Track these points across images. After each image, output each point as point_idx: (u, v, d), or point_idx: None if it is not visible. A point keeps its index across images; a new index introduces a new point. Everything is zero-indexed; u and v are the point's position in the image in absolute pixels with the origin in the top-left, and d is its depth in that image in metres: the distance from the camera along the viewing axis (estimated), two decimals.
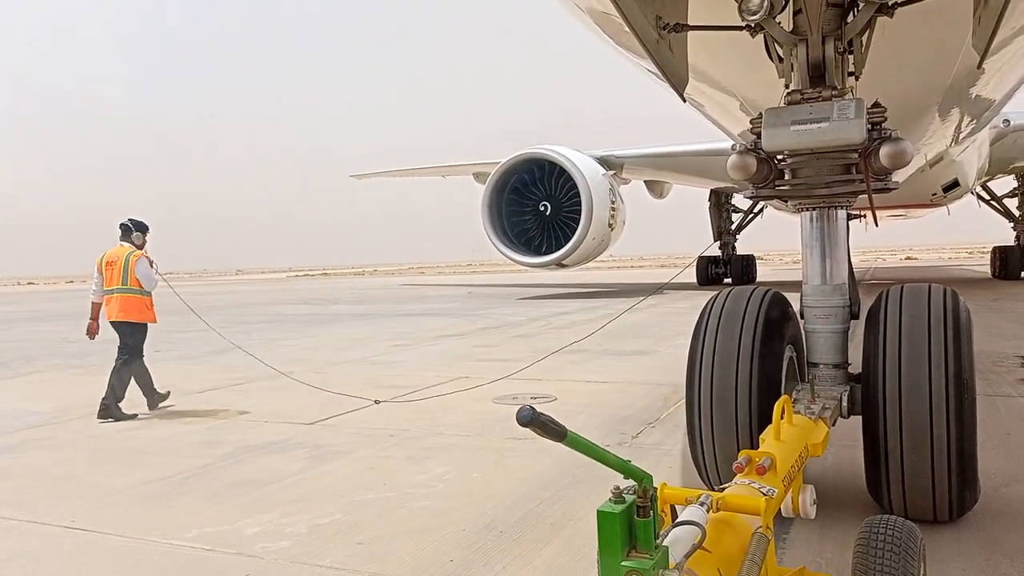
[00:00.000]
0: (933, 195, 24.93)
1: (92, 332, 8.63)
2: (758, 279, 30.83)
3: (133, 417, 8.10)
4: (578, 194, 26.07)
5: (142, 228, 8.82)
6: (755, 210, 31.36)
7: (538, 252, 27.23)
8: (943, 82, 7.31)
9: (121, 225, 8.79)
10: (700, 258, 31.60)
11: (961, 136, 12.68)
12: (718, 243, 31.47)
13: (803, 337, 4.52)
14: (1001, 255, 28.53)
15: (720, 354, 4.27)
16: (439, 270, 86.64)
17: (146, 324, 8.60)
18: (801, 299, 4.46)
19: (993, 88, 8.38)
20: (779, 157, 4.26)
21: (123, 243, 8.67)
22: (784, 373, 4.42)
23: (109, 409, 8.08)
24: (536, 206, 27.48)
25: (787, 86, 4.26)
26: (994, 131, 22.96)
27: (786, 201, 4.52)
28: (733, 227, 31.82)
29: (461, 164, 36.31)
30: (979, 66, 5.15)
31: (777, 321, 4.41)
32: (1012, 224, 28.98)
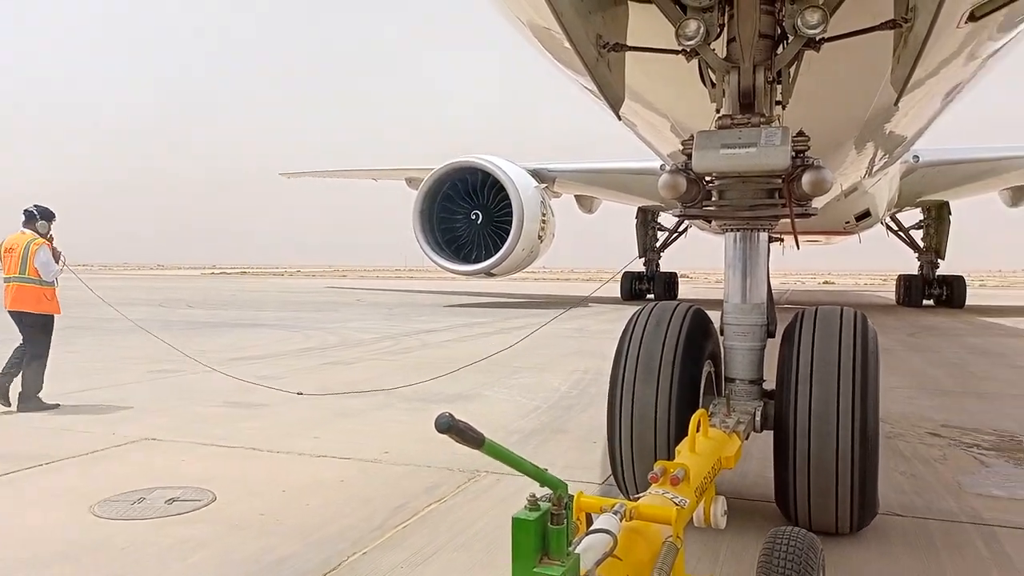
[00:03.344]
0: (846, 223, 26.11)
1: None
2: (680, 296, 31.65)
3: (55, 406, 7.98)
4: (510, 205, 26.20)
5: (47, 216, 8.46)
6: (679, 229, 32.15)
7: (468, 260, 27.25)
8: (862, 116, 7.58)
9: (25, 211, 8.43)
10: (625, 274, 32.11)
11: (875, 169, 13.39)
12: (643, 259, 32.12)
13: (722, 353, 4.65)
14: (905, 283, 30.00)
15: (643, 367, 4.37)
16: (362, 274, 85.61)
17: (48, 315, 8.27)
18: (722, 316, 4.60)
19: (906, 125, 8.85)
20: (707, 178, 4.42)
21: (25, 230, 8.33)
22: (703, 387, 4.55)
23: (29, 401, 7.91)
24: (468, 214, 27.48)
25: (718, 111, 4.40)
26: (904, 165, 24.22)
27: (709, 221, 4.70)
28: (658, 244, 32.58)
29: (394, 168, 36.00)
30: (896, 103, 5.39)
31: (698, 337, 4.54)
32: (916, 254, 30.50)
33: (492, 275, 27.81)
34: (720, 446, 3.63)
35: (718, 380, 4.84)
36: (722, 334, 4.63)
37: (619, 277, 31.30)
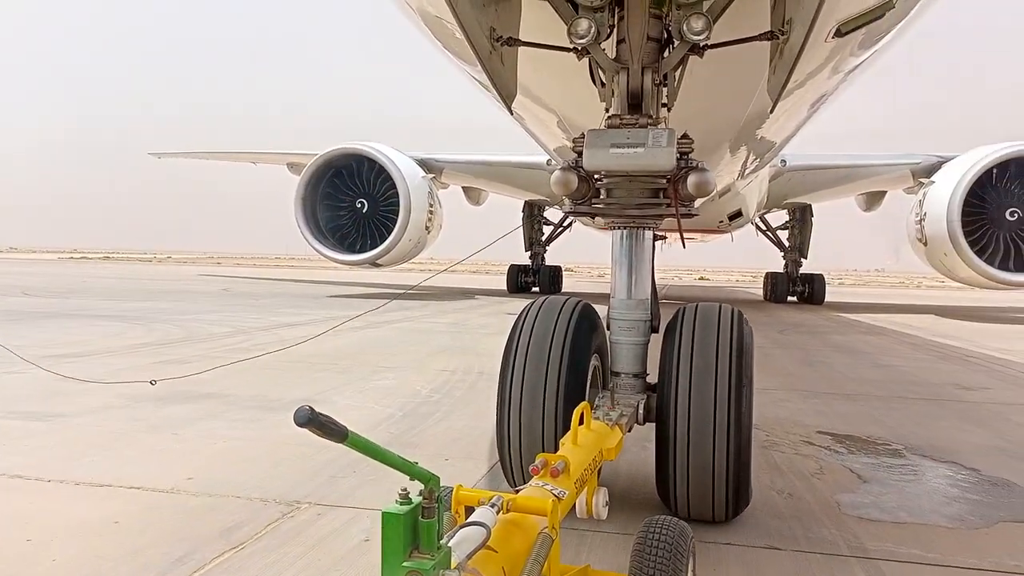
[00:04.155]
0: (720, 223, 27.56)
1: None
2: (564, 289, 32.48)
3: None
4: (396, 194, 26.20)
5: None
6: (564, 224, 32.95)
7: (353, 250, 27.02)
8: (739, 121, 7.93)
9: None
10: (511, 267, 32.81)
11: (747, 172, 14.21)
12: (528, 253, 32.77)
13: (608, 347, 4.83)
14: (772, 280, 31.92)
15: (532, 360, 4.44)
16: (238, 262, 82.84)
17: None
18: (608, 311, 4.70)
19: (777, 131, 9.43)
20: (595, 176, 4.58)
21: None
22: (589, 380, 4.70)
23: None
24: (353, 203, 27.21)
25: (607, 110, 4.48)
26: (773, 169, 25.82)
27: (593, 217, 4.88)
28: (544, 238, 33.30)
29: (275, 152, 35.23)
30: (771, 110, 5.71)
31: (586, 331, 4.64)
32: (782, 253, 32.52)
33: (378, 265, 27.67)
34: (602, 439, 3.68)
35: (604, 374, 4.93)
36: (608, 328, 4.75)
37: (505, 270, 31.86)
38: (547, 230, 33.55)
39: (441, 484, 2.28)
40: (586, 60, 4.48)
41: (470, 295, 28.86)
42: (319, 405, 7.40)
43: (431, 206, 27.70)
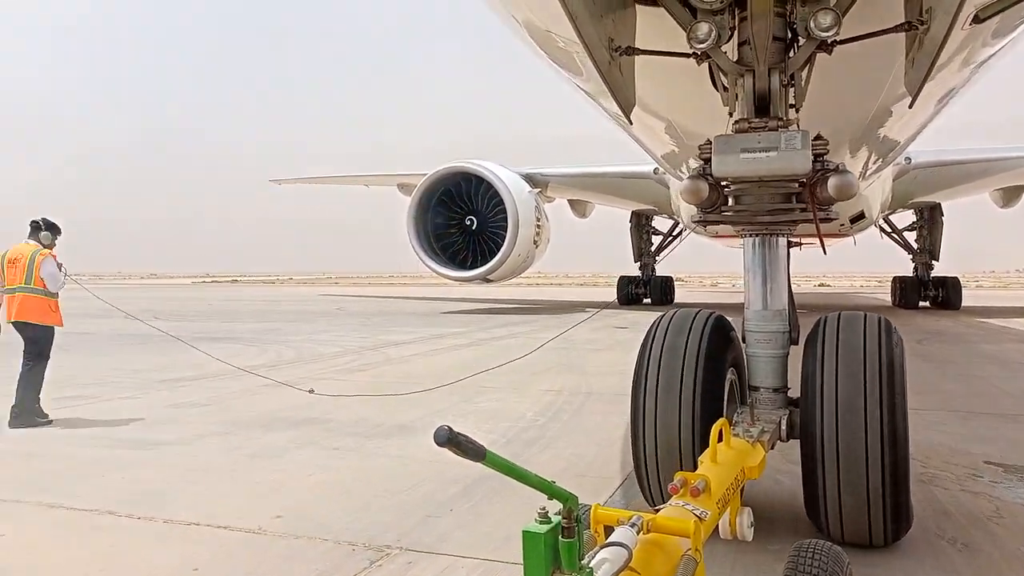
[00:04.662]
0: (842, 226, 26.11)
1: None
2: (677, 300, 31.59)
3: (49, 423, 7.78)
4: (504, 210, 26.21)
5: (53, 229, 8.41)
6: (674, 233, 32.14)
7: (463, 266, 27.24)
8: (866, 119, 7.50)
9: (32, 222, 8.40)
10: (621, 278, 32.17)
11: (870, 171, 13.34)
12: (638, 264, 32.11)
13: (744, 361, 4.61)
14: (901, 284, 30.02)
15: (664, 375, 4.33)
16: (354, 281, 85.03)
17: (50, 327, 8.17)
18: (743, 323, 4.57)
19: (904, 127, 8.77)
20: (723, 183, 4.40)
21: (29, 241, 8.29)
22: (726, 396, 4.49)
23: (21, 417, 7.70)
24: (462, 220, 27.51)
25: (731, 114, 4.36)
26: (897, 168, 24.24)
27: (707, 226, 4.68)
28: (653, 248, 32.51)
29: (386, 174, 36.10)
30: (911, 105, 5.31)
31: (720, 344, 4.49)
32: (911, 256, 30.54)
33: (488, 280, 27.77)
34: (743, 456, 3.57)
35: (742, 388, 4.77)
36: (744, 341, 4.59)
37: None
38: (656, 240, 32.69)
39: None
40: (706, 65, 4.31)
41: (578, 308, 28.41)
42: (419, 430, 7.29)
43: (539, 220, 27.61)
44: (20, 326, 8.03)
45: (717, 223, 4.60)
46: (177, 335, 12.39)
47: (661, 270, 32.75)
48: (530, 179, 28.66)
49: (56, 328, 8.30)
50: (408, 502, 5.09)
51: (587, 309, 27.64)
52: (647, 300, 31.25)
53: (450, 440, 1.94)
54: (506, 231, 26.22)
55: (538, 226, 27.45)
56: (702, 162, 4.33)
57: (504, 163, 28.15)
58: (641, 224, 32.26)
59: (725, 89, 4.44)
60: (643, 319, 21.41)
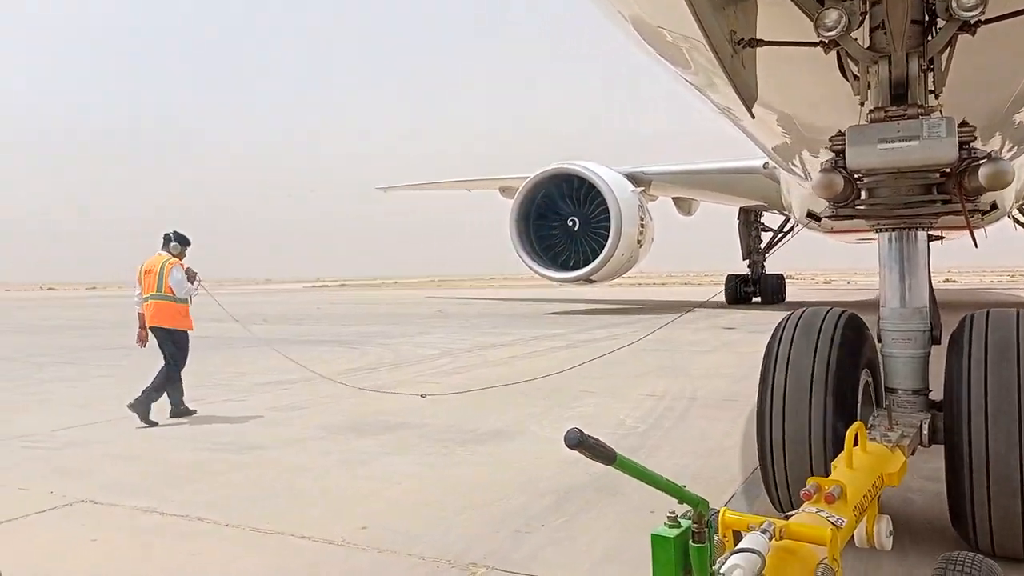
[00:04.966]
0: (975, 216, 24.48)
1: (141, 340, 8.88)
2: (788, 299, 30.36)
3: (192, 412, 8.48)
4: (607, 210, 26.10)
5: (182, 240, 9.00)
6: (785, 229, 30.93)
7: (566, 267, 27.33)
8: (1006, 103, 7.09)
9: (164, 235, 9.02)
10: (729, 277, 31.22)
11: (1012, 159, 12.41)
12: (746, 261, 31.07)
13: (880, 361, 4.37)
14: None
15: (793, 376, 4.18)
16: (456, 283, 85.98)
17: (183, 331, 8.72)
18: (879, 322, 4.33)
19: None
20: (856, 176, 4.18)
21: (161, 252, 8.88)
22: (860, 398, 4.26)
23: (177, 408, 8.46)
24: (564, 221, 27.55)
25: (862, 104, 4.16)
26: None
27: (839, 220, 4.42)
28: (762, 245, 31.36)
29: (487, 178, 36.48)
30: None
31: (853, 344, 4.30)
32: None
33: (591, 281, 27.86)
34: (881, 462, 3.39)
35: (877, 390, 4.55)
36: (880, 340, 4.36)
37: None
38: (766, 237, 31.52)
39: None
40: (834, 53, 4.08)
41: (685, 308, 27.64)
42: (513, 439, 6.96)
43: (642, 220, 27.31)
44: (156, 331, 8.66)
45: (851, 217, 4.36)
46: (279, 339, 12.47)
47: (771, 267, 31.60)
48: (632, 178, 28.34)
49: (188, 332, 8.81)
50: (498, 514, 4.77)
51: (694, 309, 26.87)
52: (757, 299, 30.18)
53: (580, 443, 1.95)
54: (609, 231, 26.09)
55: (642, 225, 27.20)
56: (834, 154, 4.13)
57: (606, 163, 27.98)
58: (750, 220, 31.19)
59: (855, 77, 4.18)
60: (753, 319, 20.68)
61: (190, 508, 5.05)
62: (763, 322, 20.08)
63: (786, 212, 28.29)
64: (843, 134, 4.02)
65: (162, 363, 8.55)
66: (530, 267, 27.70)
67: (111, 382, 11.08)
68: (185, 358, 8.69)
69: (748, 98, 4.78)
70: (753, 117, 5.66)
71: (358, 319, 26.30)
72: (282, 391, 10.05)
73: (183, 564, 4.13)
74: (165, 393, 8.42)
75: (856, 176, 4.16)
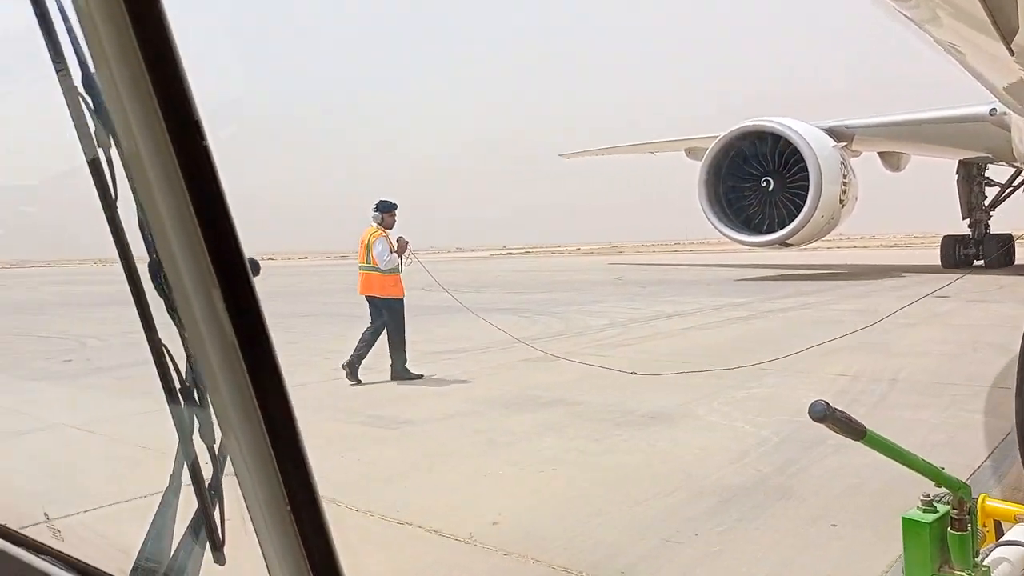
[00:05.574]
0: None
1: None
2: (1017, 262, 27.03)
3: (419, 377, 8.77)
4: (805, 168, 24.49)
5: (383, 208, 9.12)
6: (1015, 183, 27.47)
7: (759, 231, 26.05)
8: None
9: (374, 206, 9.22)
10: (946, 238, 28.24)
11: None
12: (967, 220, 27.87)
13: None
14: None
15: None
16: (638, 249, 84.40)
17: (393, 299, 8.93)
18: None
19: None
20: None
21: (372, 224, 9.10)
22: None
23: (352, 366, 8.65)
24: (757, 182, 26.19)
25: None
26: None
27: None
28: (986, 202, 28.01)
29: (672, 140, 35.22)
30: None
31: None
32: None
33: (788, 245, 26.65)
34: None
35: None
36: None
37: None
38: (991, 193, 28.13)
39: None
40: None
41: (893, 273, 25.25)
42: (673, 424, 6.22)
43: (844, 178, 25.39)
44: (369, 299, 9.04)
45: None
46: (455, 308, 12.33)
47: (997, 227, 28.20)
48: (833, 133, 26.30)
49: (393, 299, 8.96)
50: (646, 517, 4.18)
51: (903, 274, 24.53)
52: (979, 262, 27.02)
53: (827, 416, 1.89)
54: (807, 191, 24.51)
55: (844, 183, 25.33)
56: None
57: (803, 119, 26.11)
58: (971, 175, 27.94)
59: None
60: (972, 286, 18.28)
61: (327, 488, 4.82)
62: (985, 289, 17.84)
63: (1017, 163, 25.16)
64: None
65: (366, 327, 8.92)
66: (720, 231, 26.69)
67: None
68: (400, 325, 8.91)
69: (1007, 31, 4.17)
70: (1011, 53, 4.82)
71: (535, 286, 26.19)
72: (442, 361, 9.95)
73: None
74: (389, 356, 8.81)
75: None
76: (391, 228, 9.07)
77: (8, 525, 1.31)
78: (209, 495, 0.97)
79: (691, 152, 31.41)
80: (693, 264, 39.14)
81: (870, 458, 5.03)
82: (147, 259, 0.87)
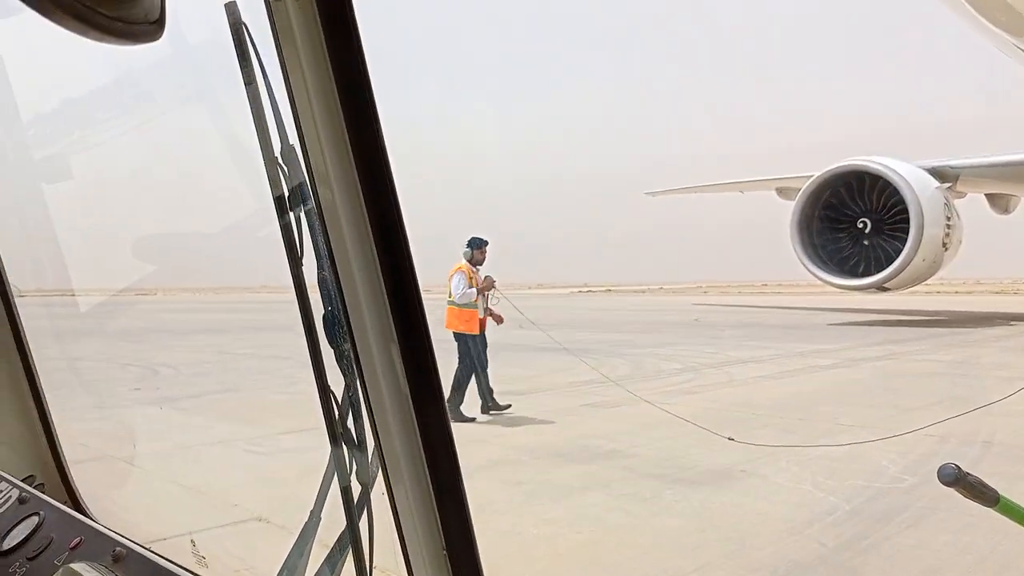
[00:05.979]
0: None
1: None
2: None
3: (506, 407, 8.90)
4: (904, 210, 23.40)
5: (474, 244, 9.18)
6: None
7: (854, 274, 24.89)
8: None
9: (467, 242, 9.31)
10: None
11: None
12: None
13: None
14: None
15: None
16: (723, 290, 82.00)
17: (471, 335, 8.91)
18: None
19: None
20: None
21: (463, 259, 9.16)
22: None
23: (485, 404, 8.90)
24: (853, 223, 25.11)
25: None
26: None
27: None
28: None
29: (762, 179, 34.27)
30: None
31: None
32: None
33: (885, 289, 25.27)
34: None
35: None
36: None
37: None
38: None
39: None
40: None
41: (1000, 322, 23.67)
42: (733, 486, 5.66)
43: (948, 219, 24.20)
44: (454, 334, 9.03)
45: None
46: (525, 345, 12.07)
47: None
48: (937, 173, 25.08)
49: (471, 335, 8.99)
50: None
51: (1013, 323, 23.00)
52: None
53: (958, 480, 1.69)
54: (907, 234, 23.40)
55: (948, 226, 24.13)
56: None
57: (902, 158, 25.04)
58: None
59: None
60: None
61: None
62: None
63: None
64: None
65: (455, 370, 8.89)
66: (814, 274, 25.67)
67: None
68: (475, 360, 8.87)
69: None
70: None
71: (610, 326, 25.70)
72: (501, 400, 9.62)
73: None
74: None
75: None
76: (481, 264, 9.06)
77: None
78: (362, 533, 1.09)
79: (782, 192, 30.57)
80: (780, 307, 37.64)
81: (955, 537, 4.48)
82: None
